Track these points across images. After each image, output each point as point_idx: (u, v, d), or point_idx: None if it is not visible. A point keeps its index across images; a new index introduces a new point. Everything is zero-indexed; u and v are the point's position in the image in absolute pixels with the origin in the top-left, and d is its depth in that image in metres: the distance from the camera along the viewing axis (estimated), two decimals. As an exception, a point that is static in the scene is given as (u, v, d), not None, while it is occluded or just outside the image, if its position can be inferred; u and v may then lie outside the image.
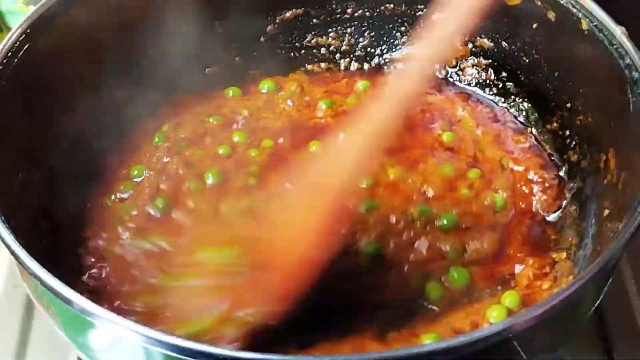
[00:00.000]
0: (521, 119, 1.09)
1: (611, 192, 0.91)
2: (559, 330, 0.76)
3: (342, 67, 1.17)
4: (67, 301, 0.70)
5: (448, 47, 0.85)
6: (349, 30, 1.16)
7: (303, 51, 1.16)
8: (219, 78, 1.13)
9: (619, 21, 0.93)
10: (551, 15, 1.00)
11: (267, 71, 1.14)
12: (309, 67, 1.17)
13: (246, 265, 0.81)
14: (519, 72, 1.09)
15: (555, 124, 1.05)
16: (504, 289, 0.89)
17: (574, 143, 1.01)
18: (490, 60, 1.11)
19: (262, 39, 1.15)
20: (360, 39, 1.16)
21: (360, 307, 0.85)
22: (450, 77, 1.14)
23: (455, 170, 1.00)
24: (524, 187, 1.01)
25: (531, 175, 1.02)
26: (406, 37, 1.15)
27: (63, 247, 0.92)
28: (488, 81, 1.12)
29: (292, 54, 1.16)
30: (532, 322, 0.69)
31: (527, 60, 1.07)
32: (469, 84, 1.13)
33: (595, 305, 0.83)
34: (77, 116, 1.01)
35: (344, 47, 1.17)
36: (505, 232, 0.95)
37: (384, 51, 1.16)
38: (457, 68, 1.14)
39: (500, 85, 1.11)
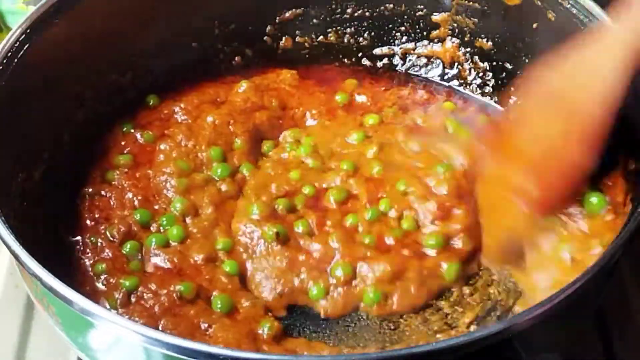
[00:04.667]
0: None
1: (610, 192, 0.91)
2: (559, 330, 0.77)
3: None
4: (68, 301, 0.70)
5: None
6: (348, 30, 1.15)
7: (302, 51, 1.16)
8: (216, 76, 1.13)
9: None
10: (551, 15, 1.00)
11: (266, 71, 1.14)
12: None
13: None
14: (518, 72, 1.08)
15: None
16: None
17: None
18: (489, 61, 1.11)
19: (262, 39, 1.15)
20: (360, 39, 1.16)
21: None
22: (449, 77, 1.15)
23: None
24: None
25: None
26: (406, 37, 1.15)
27: (63, 246, 0.92)
28: (487, 82, 1.12)
29: (291, 54, 1.16)
30: (532, 322, 0.69)
31: (527, 61, 1.07)
32: (468, 85, 1.13)
33: (596, 304, 0.83)
34: (77, 116, 1.02)
35: (343, 47, 1.17)
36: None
37: (384, 51, 1.16)
38: (456, 69, 1.14)
39: (500, 86, 1.11)
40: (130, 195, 0.96)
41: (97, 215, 0.95)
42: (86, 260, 0.91)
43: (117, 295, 0.86)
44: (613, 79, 0.82)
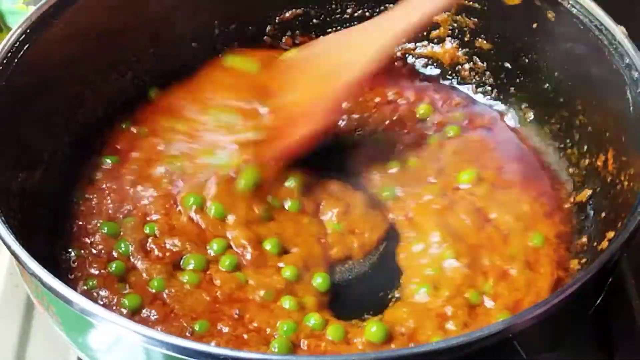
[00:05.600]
0: (520, 119, 1.09)
1: (610, 191, 0.91)
2: (559, 330, 0.77)
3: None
4: (67, 301, 0.70)
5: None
6: (348, 30, 1.16)
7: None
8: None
9: (618, 21, 0.93)
10: (551, 15, 1.00)
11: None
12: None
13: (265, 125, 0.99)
14: (518, 72, 1.09)
15: (554, 124, 1.05)
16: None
17: (573, 143, 1.01)
18: (489, 61, 1.11)
19: (262, 39, 1.15)
20: (360, 39, 1.16)
21: None
22: (448, 78, 1.15)
23: None
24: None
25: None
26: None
27: (63, 247, 0.92)
28: (487, 82, 1.12)
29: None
30: (532, 322, 0.69)
31: (526, 61, 1.07)
32: (467, 85, 1.13)
33: (596, 304, 0.83)
34: (77, 116, 1.02)
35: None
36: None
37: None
38: (456, 70, 1.14)
39: (500, 86, 1.11)
40: (108, 200, 0.95)
41: (80, 223, 0.94)
42: (76, 273, 0.89)
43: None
44: (372, 58, 0.94)
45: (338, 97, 0.97)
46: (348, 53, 0.96)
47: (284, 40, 1.15)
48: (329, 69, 0.97)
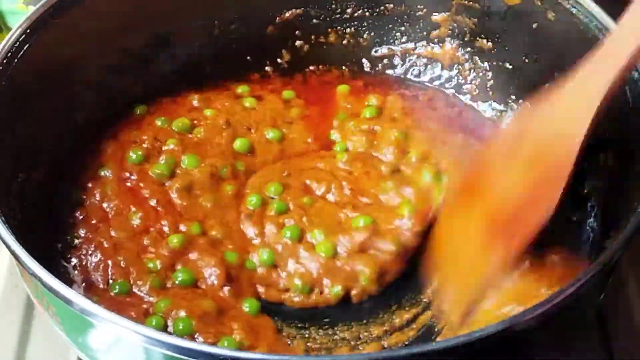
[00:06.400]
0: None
1: (611, 191, 0.91)
2: (559, 329, 0.77)
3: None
4: (68, 301, 0.71)
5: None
6: (348, 30, 1.15)
7: (302, 52, 1.16)
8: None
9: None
10: (551, 15, 1.00)
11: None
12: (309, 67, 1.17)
13: None
14: (518, 72, 1.09)
15: (555, 124, 1.05)
16: None
17: (573, 143, 1.01)
18: (489, 61, 1.11)
19: (262, 39, 1.15)
20: (361, 39, 1.16)
21: None
22: (448, 77, 1.15)
23: None
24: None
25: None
26: (406, 37, 1.15)
27: (63, 247, 0.92)
28: (486, 83, 1.12)
29: (291, 53, 1.16)
30: (533, 322, 0.69)
31: (526, 61, 1.07)
32: (466, 85, 1.13)
33: (596, 304, 0.83)
34: (77, 116, 1.02)
35: (343, 48, 1.17)
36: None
37: (384, 51, 1.16)
38: (455, 70, 1.14)
39: (500, 86, 1.11)
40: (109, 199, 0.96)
41: (81, 221, 0.94)
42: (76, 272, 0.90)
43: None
44: (586, 122, 0.80)
45: (562, 174, 0.81)
46: (558, 124, 0.82)
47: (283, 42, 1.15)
48: (540, 147, 0.83)
